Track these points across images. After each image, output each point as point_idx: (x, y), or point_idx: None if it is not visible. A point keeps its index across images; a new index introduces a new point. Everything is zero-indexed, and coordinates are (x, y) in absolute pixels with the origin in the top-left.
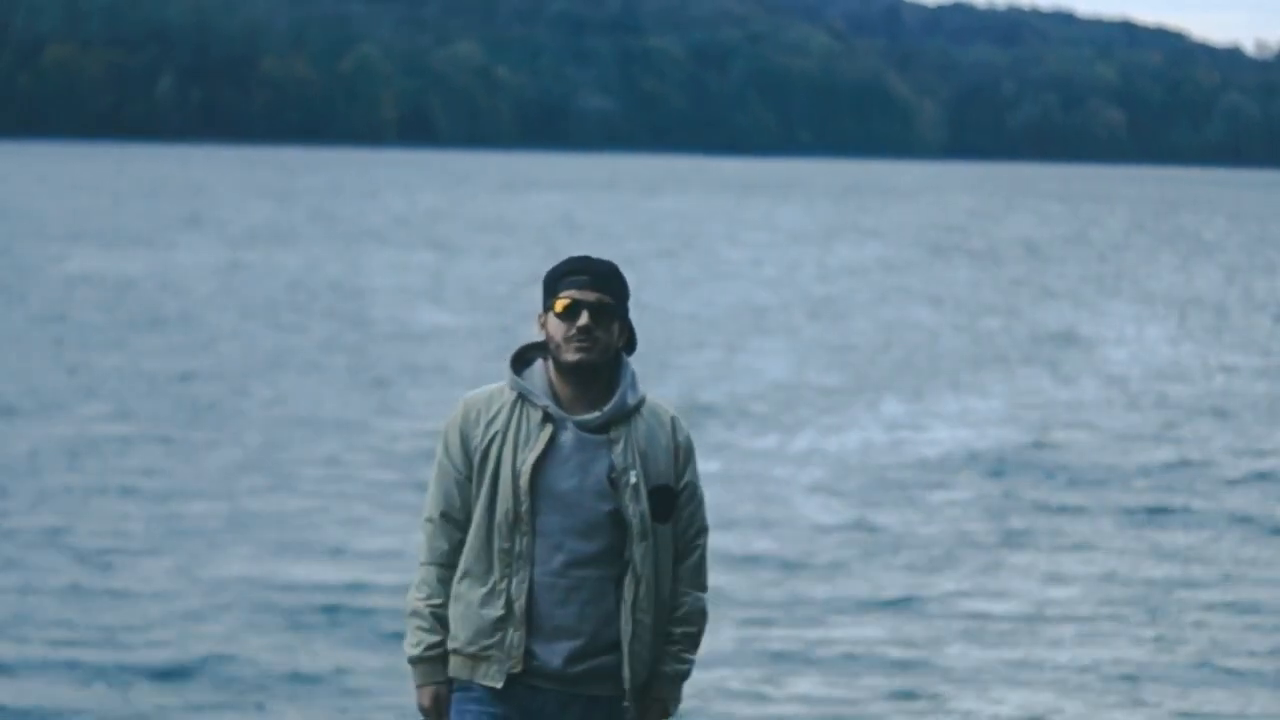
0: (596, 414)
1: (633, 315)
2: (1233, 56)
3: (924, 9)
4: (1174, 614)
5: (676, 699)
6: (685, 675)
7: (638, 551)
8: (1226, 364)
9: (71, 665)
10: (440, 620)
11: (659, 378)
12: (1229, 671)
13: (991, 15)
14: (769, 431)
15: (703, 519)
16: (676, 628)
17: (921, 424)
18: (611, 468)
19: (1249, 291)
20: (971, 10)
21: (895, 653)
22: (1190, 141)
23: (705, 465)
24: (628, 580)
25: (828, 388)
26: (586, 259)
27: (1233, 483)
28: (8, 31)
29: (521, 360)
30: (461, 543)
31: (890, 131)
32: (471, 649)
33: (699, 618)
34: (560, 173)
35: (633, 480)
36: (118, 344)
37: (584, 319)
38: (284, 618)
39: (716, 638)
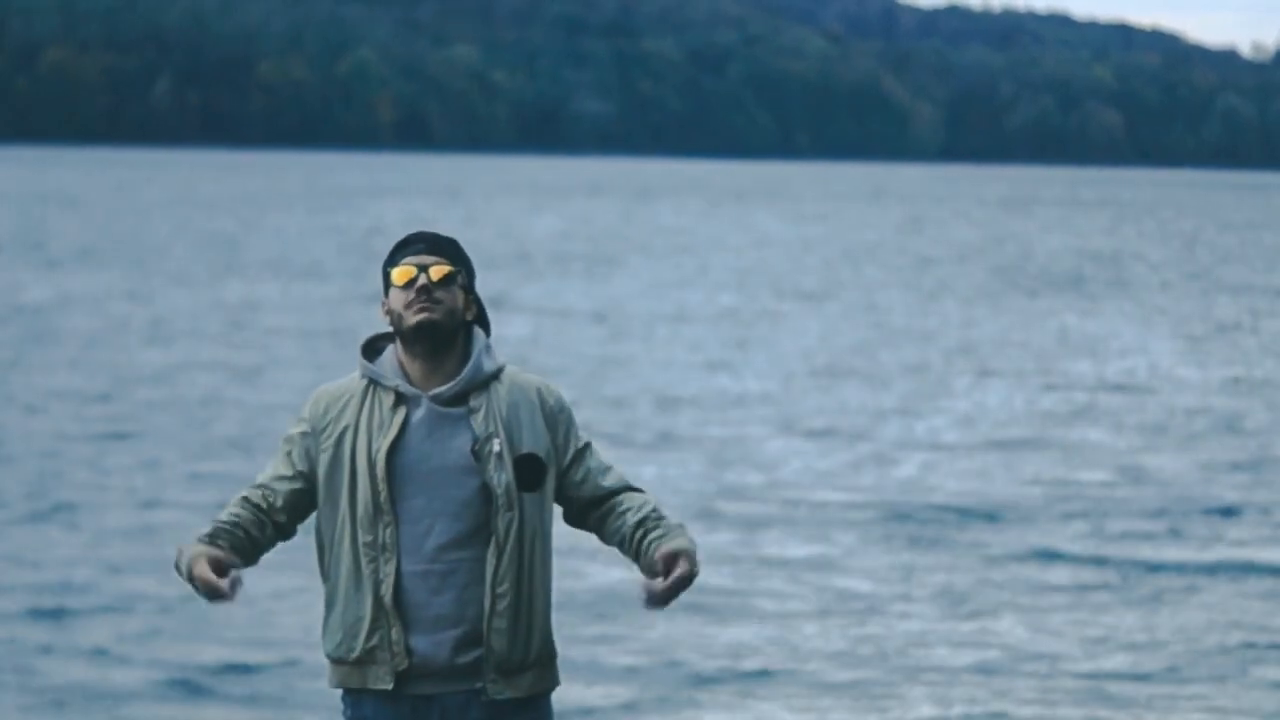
0: (450, 384)
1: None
2: (1229, 58)
3: (920, 11)
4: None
5: (690, 550)
6: (683, 530)
7: (501, 523)
8: (1230, 376)
9: None
10: (227, 526)
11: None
12: None
13: (987, 17)
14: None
15: (602, 464)
16: (638, 514)
17: (920, 444)
18: (474, 439)
19: (1255, 305)
20: (967, 13)
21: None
22: (1187, 143)
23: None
24: (490, 552)
25: (822, 401)
26: (421, 231)
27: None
28: (4, 34)
29: (371, 349)
30: (274, 508)
31: (887, 134)
32: (354, 655)
33: (653, 502)
34: (557, 176)
35: (496, 449)
36: None
37: (423, 280)
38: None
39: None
